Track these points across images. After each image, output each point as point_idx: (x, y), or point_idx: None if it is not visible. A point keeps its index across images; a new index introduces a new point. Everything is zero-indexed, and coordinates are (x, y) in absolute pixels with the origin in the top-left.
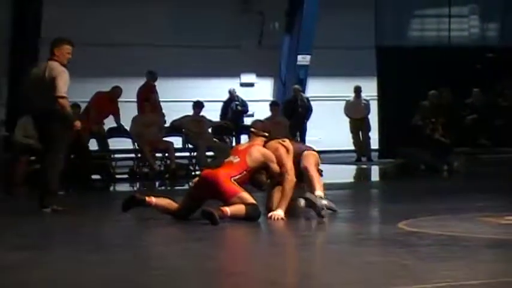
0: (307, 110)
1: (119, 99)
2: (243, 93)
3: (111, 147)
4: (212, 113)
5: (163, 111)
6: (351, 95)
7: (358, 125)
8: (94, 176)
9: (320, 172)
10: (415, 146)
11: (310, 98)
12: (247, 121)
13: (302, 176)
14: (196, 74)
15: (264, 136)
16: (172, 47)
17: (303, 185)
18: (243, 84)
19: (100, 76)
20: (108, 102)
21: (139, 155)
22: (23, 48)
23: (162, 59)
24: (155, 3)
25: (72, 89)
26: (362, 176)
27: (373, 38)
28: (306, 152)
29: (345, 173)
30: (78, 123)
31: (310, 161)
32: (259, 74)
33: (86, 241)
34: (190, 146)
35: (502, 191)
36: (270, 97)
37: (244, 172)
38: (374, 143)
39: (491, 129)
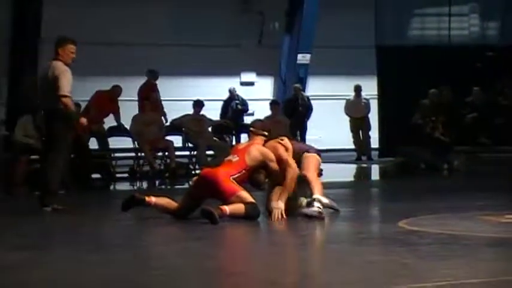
0: (308, 109)
1: (119, 98)
2: (243, 92)
3: (111, 146)
4: (212, 112)
5: (165, 110)
6: (351, 94)
7: (358, 124)
8: (94, 175)
9: (320, 172)
10: (415, 144)
11: (310, 97)
12: (248, 120)
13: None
14: (197, 73)
15: (264, 135)
16: (173, 46)
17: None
18: (243, 83)
19: (100, 75)
20: (108, 101)
21: (139, 154)
22: (23, 48)
23: (163, 58)
24: (155, 3)
25: (72, 88)
26: (362, 174)
27: (373, 37)
28: (305, 155)
29: (345, 172)
30: (84, 120)
31: (308, 167)
32: (260, 73)
33: (86, 241)
34: (190, 145)
35: (502, 189)
36: (270, 96)
37: (243, 171)
38: (374, 142)
39: (492, 128)
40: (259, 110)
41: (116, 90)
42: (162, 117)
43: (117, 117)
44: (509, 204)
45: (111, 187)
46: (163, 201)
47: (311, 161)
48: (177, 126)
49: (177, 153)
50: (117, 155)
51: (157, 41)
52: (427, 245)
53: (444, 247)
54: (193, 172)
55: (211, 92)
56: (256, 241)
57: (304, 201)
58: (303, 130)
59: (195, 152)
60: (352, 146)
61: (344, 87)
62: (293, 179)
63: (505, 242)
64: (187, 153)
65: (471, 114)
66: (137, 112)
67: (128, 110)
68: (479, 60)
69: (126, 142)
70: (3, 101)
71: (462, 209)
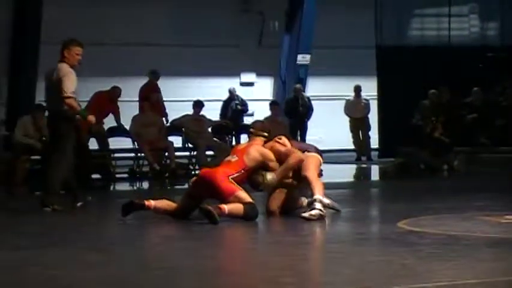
0: (308, 110)
1: (119, 99)
2: (243, 93)
3: (111, 147)
4: (212, 112)
5: (166, 110)
6: (351, 94)
7: (358, 124)
8: (94, 176)
9: (320, 172)
10: (415, 145)
11: (310, 97)
12: (247, 120)
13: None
14: (196, 74)
15: (264, 136)
16: (172, 46)
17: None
18: (243, 84)
19: (100, 76)
20: (107, 101)
21: (139, 154)
22: (23, 48)
23: (162, 59)
24: (155, 3)
25: (77, 90)
26: (362, 175)
27: (373, 37)
28: (305, 155)
29: (345, 172)
30: (92, 118)
31: (308, 167)
32: (259, 74)
33: (85, 240)
34: (190, 145)
35: (501, 190)
36: (269, 96)
37: (242, 171)
38: (374, 142)
39: (492, 129)
40: (259, 110)
41: (115, 91)
42: (163, 118)
43: (117, 118)
44: (509, 204)
45: (111, 187)
46: (163, 203)
47: (311, 161)
48: (176, 127)
49: (177, 153)
50: (116, 155)
51: (157, 41)
52: (427, 246)
53: (444, 247)
54: (193, 172)
55: (211, 93)
56: (256, 241)
57: (305, 201)
58: (304, 130)
59: (195, 153)
60: (352, 146)
61: (344, 87)
62: (295, 162)
63: (505, 242)
64: (187, 153)
65: (471, 115)
66: (137, 112)
67: (128, 110)
68: (480, 61)
69: (126, 142)
70: (3, 101)
71: (462, 210)
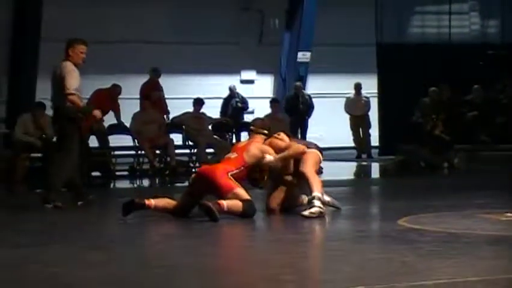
0: (309, 107)
1: (120, 96)
2: (243, 90)
3: (111, 144)
4: (212, 110)
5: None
6: (351, 92)
7: (359, 122)
8: (94, 173)
9: (320, 169)
10: (415, 143)
11: (310, 95)
12: (248, 118)
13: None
14: (197, 71)
15: (264, 134)
16: (173, 44)
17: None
18: (243, 81)
19: (100, 74)
20: (107, 99)
21: (139, 152)
22: (23, 48)
23: (163, 56)
24: (155, 3)
25: (81, 87)
26: (362, 172)
27: (373, 35)
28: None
29: (345, 170)
30: (97, 112)
31: (306, 163)
32: (260, 71)
33: (86, 238)
34: (190, 142)
35: (502, 187)
36: (270, 94)
37: (242, 168)
38: (374, 140)
39: (492, 126)
40: (259, 108)
41: (115, 89)
42: (164, 116)
43: (118, 115)
44: (509, 202)
45: (111, 185)
46: (163, 202)
47: (310, 157)
48: (177, 124)
49: (177, 151)
50: (117, 153)
51: (157, 40)
52: (427, 243)
53: (444, 245)
54: (193, 170)
55: (211, 90)
56: (256, 239)
57: (305, 199)
58: (304, 128)
59: (195, 150)
60: (352, 144)
61: (344, 85)
62: (296, 153)
63: (505, 240)
64: (187, 151)
65: (472, 112)
66: (138, 110)
67: (128, 108)
68: (480, 59)
69: (126, 140)
70: (3, 99)
71: (462, 207)
